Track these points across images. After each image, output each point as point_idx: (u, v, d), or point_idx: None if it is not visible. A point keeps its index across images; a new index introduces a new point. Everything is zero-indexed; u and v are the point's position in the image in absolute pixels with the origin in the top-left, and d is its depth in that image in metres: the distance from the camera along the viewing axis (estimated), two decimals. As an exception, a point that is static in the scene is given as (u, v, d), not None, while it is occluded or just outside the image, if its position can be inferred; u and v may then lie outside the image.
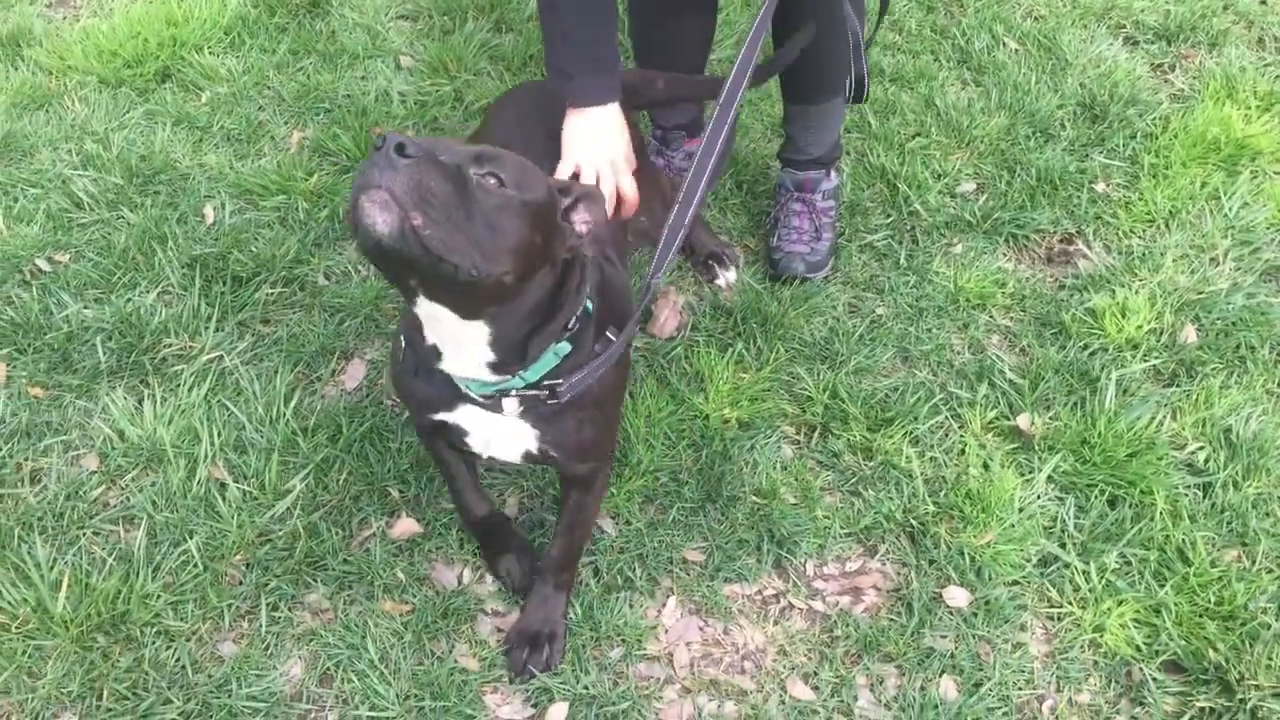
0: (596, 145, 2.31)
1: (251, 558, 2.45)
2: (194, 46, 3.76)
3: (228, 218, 3.19)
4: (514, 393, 1.90)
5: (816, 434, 2.74)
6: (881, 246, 3.20)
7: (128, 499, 2.55)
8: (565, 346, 1.88)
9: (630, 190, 2.36)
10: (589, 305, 1.93)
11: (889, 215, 3.28)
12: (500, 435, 2.02)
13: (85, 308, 2.93)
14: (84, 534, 2.49)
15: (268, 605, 2.38)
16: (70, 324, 2.87)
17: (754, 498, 2.60)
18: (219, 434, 2.65)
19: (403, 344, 1.99)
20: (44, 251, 3.07)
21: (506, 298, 1.69)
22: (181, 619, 2.35)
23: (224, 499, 2.53)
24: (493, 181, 1.59)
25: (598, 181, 2.27)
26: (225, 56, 3.74)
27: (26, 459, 2.62)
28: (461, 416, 2.01)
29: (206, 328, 2.88)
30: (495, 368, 1.83)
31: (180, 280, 2.99)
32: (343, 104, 3.56)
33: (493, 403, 1.93)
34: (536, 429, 2.00)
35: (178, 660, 2.30)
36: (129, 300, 2.94)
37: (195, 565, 2.42)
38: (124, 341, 2.83)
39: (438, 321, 1.74)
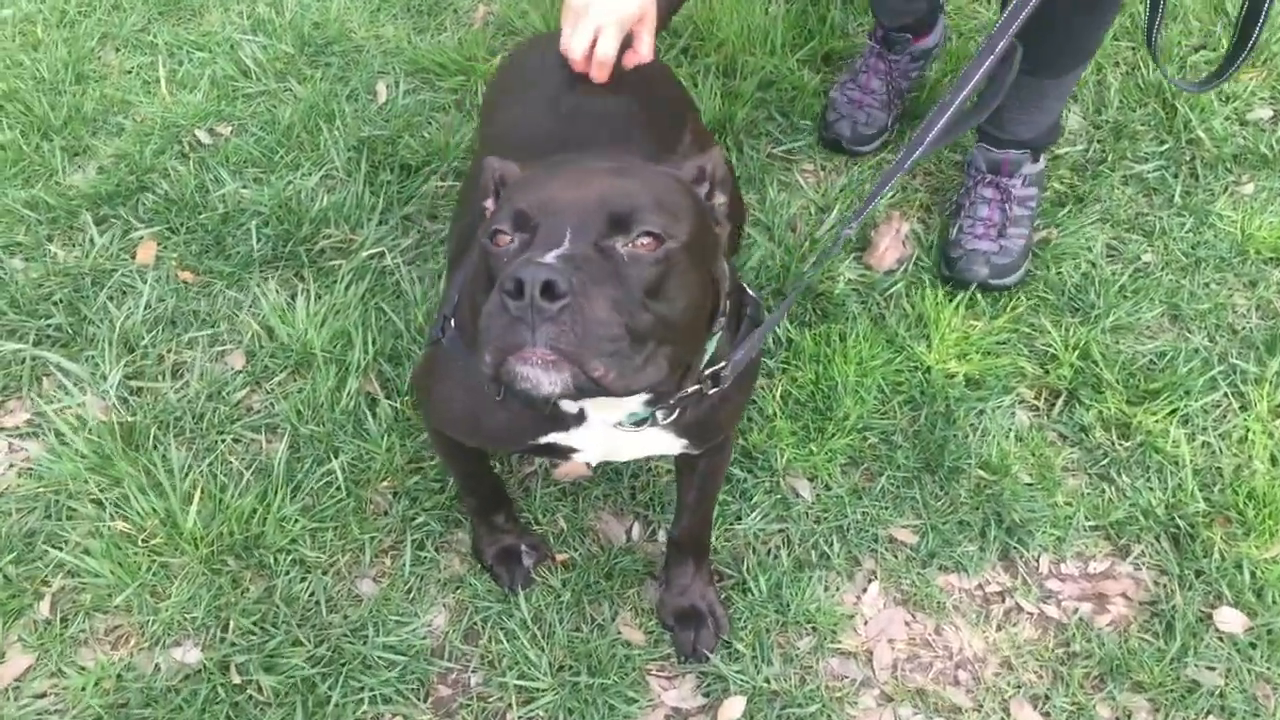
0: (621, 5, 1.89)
1: (399, 486, 2.17)
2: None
3: (401, 97, 2.87)
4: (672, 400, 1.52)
5: (1061, 402, 2.30)
6: (1152, 179, 2.68)
7: (272, 405, 2.29)
8: (713, 341, 1.50)
9: (647, 49, 1.95)
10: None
11: (1163, 141, 2.75)
12: (627, 444, 1.62)
13: (244, 187, 2.67)
14: (223, 440, 2.25)
15: (413, 543, 2.10)
16: (226, 204, 2.62)
17: (980, 472, 2.18)
18: (374, 341, 2.36)
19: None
20: (206, 122, 2.82)
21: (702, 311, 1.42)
22: (319, 549, 2.09)
23: (374, 416, 2.25)
24: (646, 241, 1.26)
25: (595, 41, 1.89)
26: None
27: (170, 350, 2.38)
28: (578, 434, 1.59)
29: (369, 219, 2.59)
30: (653, 401, 1.47)
31: (345, 164, 2.69)
32: (535, -23, 3.19)
33: (630, 426, 1.55)
34: (680, 432, 1.61)
35: (311, 595, 2.04)
36: (290, 183, 2.66)
37: (338, 489, 2.15)
38: (281, 229, 2.56)
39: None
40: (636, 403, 1.45)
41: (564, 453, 1.65)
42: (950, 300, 2.44)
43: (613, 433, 1.54)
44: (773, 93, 2.84)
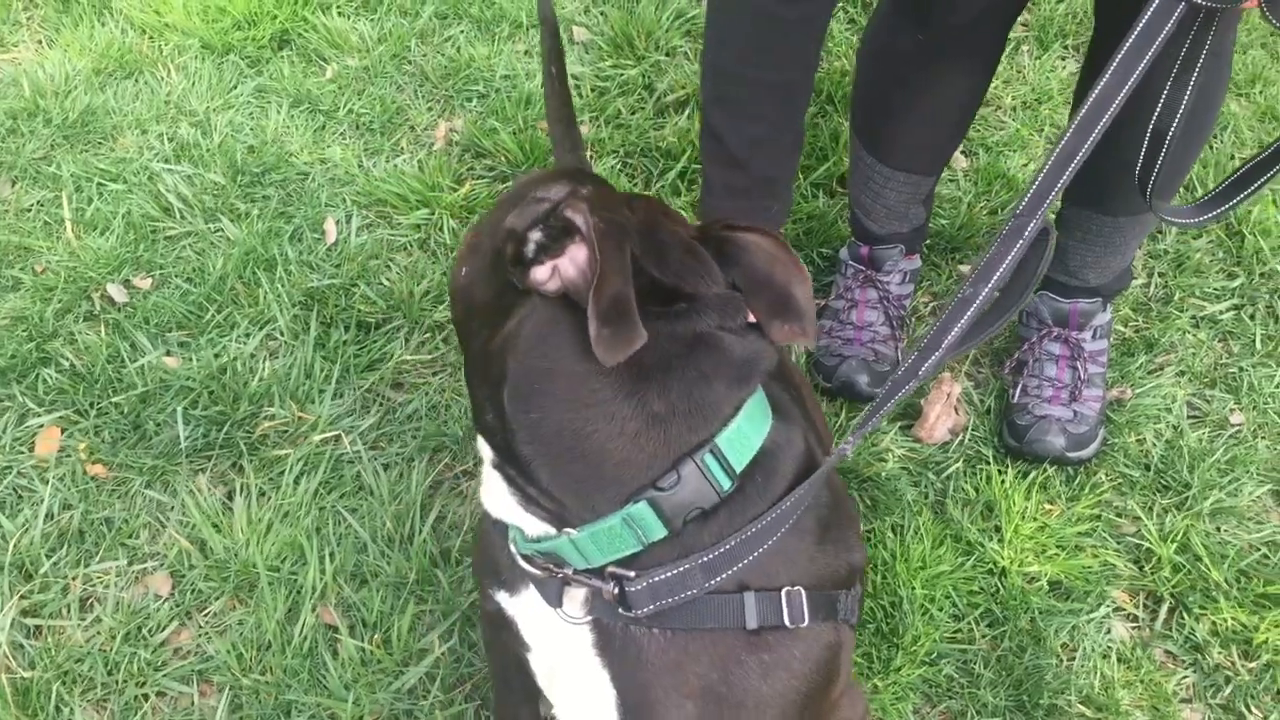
0: None
1: (370, 756, 1.73)
2: (319, 5, 3.01)
3: (353, 235, 2.45)
4: (573, 572, 1.13)
5: (1165, 610, 1.93)
6: (1227, 321, 2.34)
7: (205, 644, 1.84)
8: (648, 517, 1.07)
9: None
10: (715, 470, 1.09)
11: (1233, 275, 2.42)
12: (566, 665, 1.21)
13: (167, 353, 2.22)
14: (143, 698, 1.79)
15: (392, 836, 1.66)
16: (145, 379, 2.17)
17: (1083, 709, 1.80)
18: (332, 555, 1.93)
19: None
20: (120, 273, 2.37)
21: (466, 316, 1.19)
22: None
23: (335, 658, 1.81)
24: None
25: None
26: (357, 19, 2.98)
27: (77, 575, 1.92)
28: (522, 608, 1.24)
29: (322, 393, 2.16)
30: (510, 484, 1.13)
31: (290, 323, 2.26)
32: (501, 87, 2.79)
33: (549, 586, 1.17)
34: (614, 677, 1.17)
35: None
36: (223, 348, 2.22)
37: (293, 764, 1.71)
38: (214, 409, 2.11)
39: None
40: (497, 481, 1.15)
41: (522, 650, 1.28)
42: (1020, 480, 2.06)
43: (553, 627, 1.18)
44: (786, 225, 2.46)
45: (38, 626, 1.86)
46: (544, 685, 1.30)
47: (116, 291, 2.33)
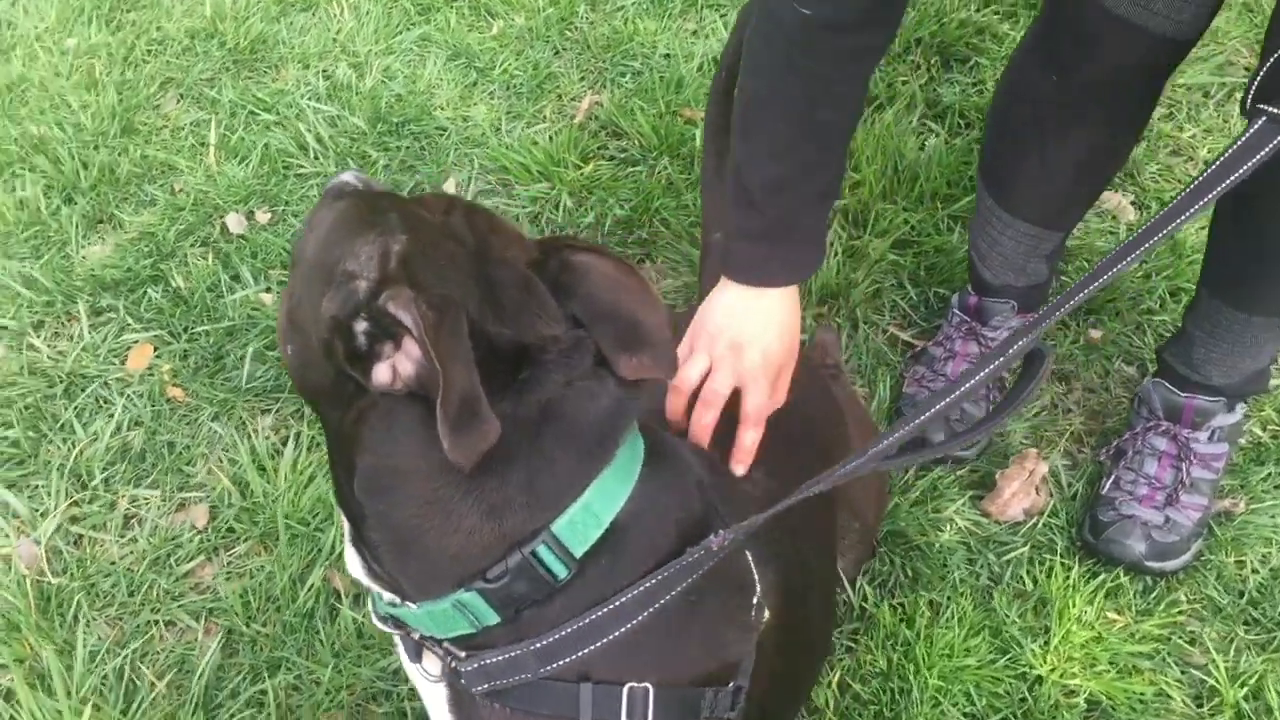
0: (765, 345, 1.44)
1: (340, 729, 1.74)
2: (504, -43, 3.00)
3: (469, 197, 2.45)
4: (426, 638, 1.09)
5: (1218, 760, 1.71)
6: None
7: (219, 585, 1.89)
8: (481, 605, 1.02)
9: (755, 408, 1.41)
10: (554, 565, 1.01)
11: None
12: (433, 705, 1.16)
13: (265, 290, 2.29)
14: (155, 623, 1.86)
15: (336, 814, 1.67)
16: (237, 313, 2.24)
17: None
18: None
19: None
20: (245, 204, 2.45)
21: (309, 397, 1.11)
22: (222, 802, 1.68)
23: (331, 623, 1.83)
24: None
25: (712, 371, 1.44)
26: (539, -23, 2.95)
27: (125, 495, 2.01)
28: (401, 652, 1.19)
29: (394, 355, 2.16)
30: (359, 551, 1.09)
31: (382, 281, 2.28)
32: (656, 66, 2.71)
33: (406, 641, 1.13)
34: None
35: None
36: (314, 295, 2.26)
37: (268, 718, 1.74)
38: (288, 354, 2.16)
39: None
40: (350, 547, 1.10)
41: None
42: (1087, 580, 1.86)
43: (424, 686, 1.16)
44: (909, 256, 2.30)
45: (80, 536, 1.96)
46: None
47: (235, 222, 2.41)
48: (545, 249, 1.09)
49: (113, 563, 1.92)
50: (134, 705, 1.75)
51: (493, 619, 1.02)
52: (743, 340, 1.41)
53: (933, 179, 2.38)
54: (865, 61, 1.45)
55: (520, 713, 1.06)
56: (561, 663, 1.03)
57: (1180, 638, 1.82)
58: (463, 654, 1.05)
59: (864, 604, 1.84)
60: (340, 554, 1.89)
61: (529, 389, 1.00)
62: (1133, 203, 2.42)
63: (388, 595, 1.08)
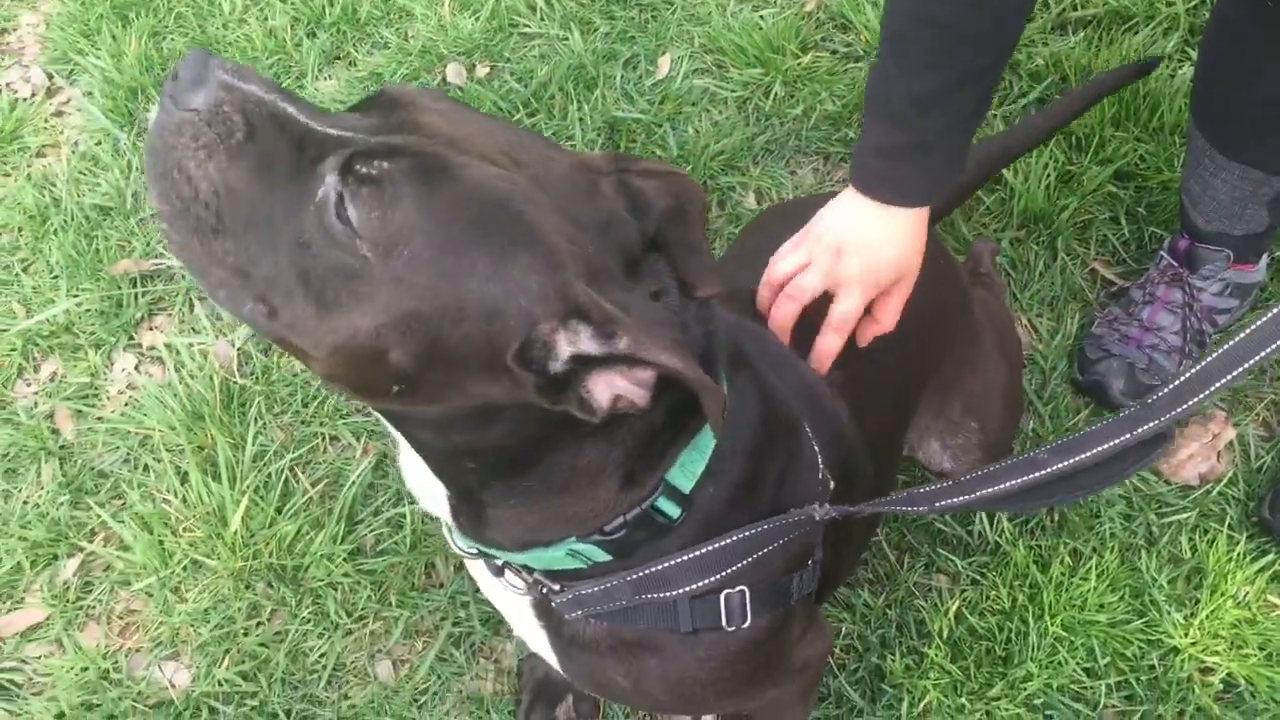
0: (870, 257, 1.32)
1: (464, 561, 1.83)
2: None
3: (681, 77, 2.43)
4: (508, 563, 1.10)
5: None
6: None
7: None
8: (596, 551, 1.03)
9: (841, 315, 1.32)
10: (669, 508, 1.01)
11: None
12: (512, 612, 1.22)
13: (473, 142, 2.35)
14: (321, 435, 2.00)
15: (448, 637, 1.77)
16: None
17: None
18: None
19: None
20: (469, 56, 2.51)
21: (360, 395, 0.93)
22: (350, 607, 1.81)
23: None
24: (338, 220, 0.81)
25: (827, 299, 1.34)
26: None
27: (316, 313, 2.15)
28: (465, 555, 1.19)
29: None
30: (455, 514, 1.04)
31: (581, 147, 2.31)
32: (902, -40, 2.58)
33: (487, 559, 1.12)
34: (551, 642, 1.18)
35: (322, 657, 1.77)
36: (516, 151, 2.32)
37: (398, 544, 1.85)
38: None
39: None
40: (437, 491, 1.03)
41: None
42: (1253, 558, 1.73)
43: (496, 584, 1.16)
44: (1130, 189, 2.14)
45: (269, 345, 2.11)
46: (507, 616, 1.30)
47: (454, 72, 2.48)
48: (614, 168, 0.96)
49: (295, 374, 2.06)
50: (288, 504, 1.89)
51: (604, 558, 1.03)
52: (846, 246, 1.32)
53: (1175, 110, 2.19)
54: None
55: (613, 625, 1.10)
56: (655, 596, 1.05)
57: (1347, 633, 1.67)
58: (556, 586, 1.07)
59: (999, 539, 1.77)
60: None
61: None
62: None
63: (464, 537, 1.07)
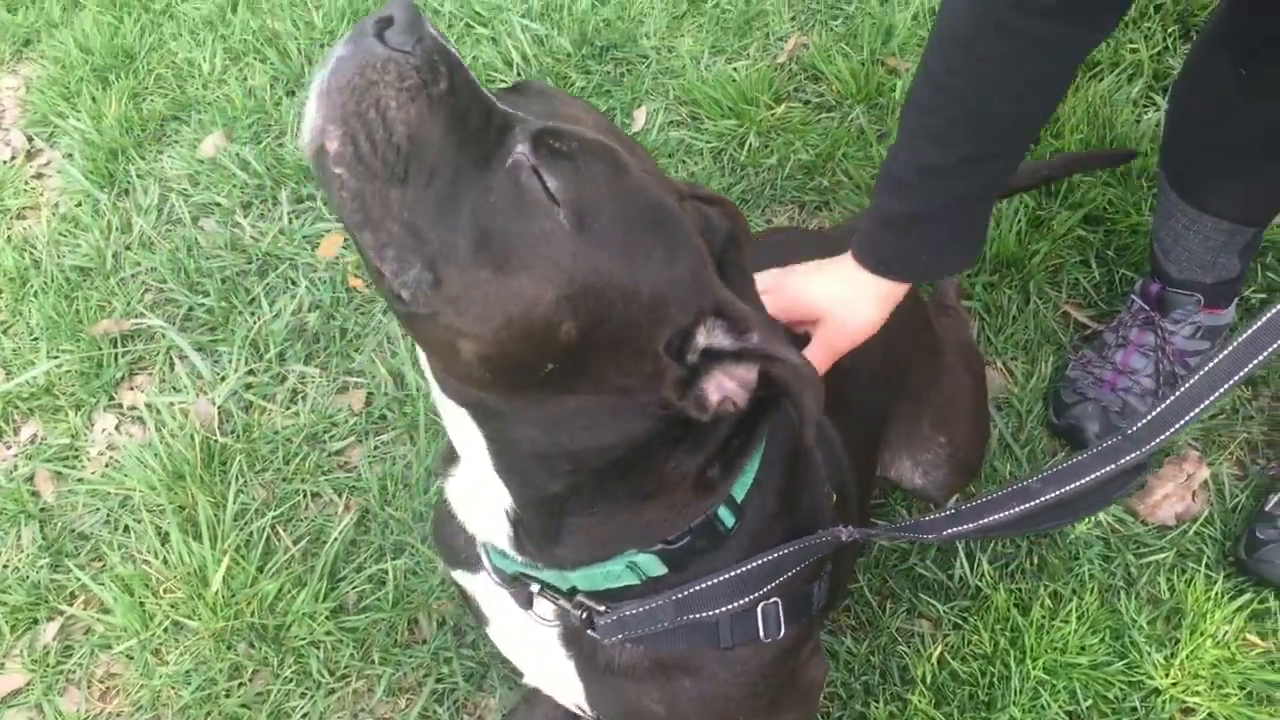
0: (839, 330, 1.34)
1: (449, 615, 1.83)
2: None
3: (657, 129, 2.46)
4: (541, 590, 1.11)
5: (1336, 812, 1.58)
6: None
7: (363, 470, 2.01)
8: (654, 564, 1.05)
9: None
10: (726, 517, 1.06)
11: None
12: (532, 647, 1.21)
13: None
14: (303, 492, 2.00)
15: (431, 694, 1.76)
16: (420, 215, 2.34)
17: None
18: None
19: None
20: (446, 112, 2.54)
21: (485, 385, 0.90)
22: (333, 666, 1.80)
23: (458, 519, 1.91)
24: (538, 186, 0.82)
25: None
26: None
27: (298, 366, 2.15)
28: (481, 587, 1.22)
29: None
30: (516, 530, 1.04)
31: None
32: (873, 12, 2.63)
33: (517, 590, 1.13)
34: (580, 672, 1.18)
35: (304, 719, 1.76)
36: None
37: (381, 600, 1.84)
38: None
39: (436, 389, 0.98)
40: (497, 506, 1.03)
41: (480, 621, 1.29)
42: (1230, 598, 1.74)
43: (517, 616, 1.16)
44: (1100, 232, 2.17)
45: (250, 403, 2.11)
46: (504, 651, 1.31)
47: (432, 128, 2.50)
48: (689, 193, 1.01)
49: (275, 431, 2.07)
50: (270, 563, 1.89)
51: (660, 571, 1.05)
52: (821, 315, 1.34)
53: (1143, 154, 2.23)
54: (1065, 56, 1.27)
55: (649, 648, 1.12)
56: (699, 615, 1.08)
57: (1328, 671, 1.68)
58: (601, 607, 1.08)
59: (980, 583, 1.78)
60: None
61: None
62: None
63: (522, 559, 1.07)
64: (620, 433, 0.93)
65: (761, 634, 1.13)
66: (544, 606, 1.13)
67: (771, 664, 1.17)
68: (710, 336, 0.91)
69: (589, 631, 1.11)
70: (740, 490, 1.06)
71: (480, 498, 1.04)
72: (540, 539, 1.03)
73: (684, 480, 1.00)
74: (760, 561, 1.08)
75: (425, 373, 0.97)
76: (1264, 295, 2.06)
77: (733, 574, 1.07)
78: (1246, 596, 1.75)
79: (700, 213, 0.97)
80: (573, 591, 1.08)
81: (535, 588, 1.10)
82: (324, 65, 0.80)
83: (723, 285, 0.92)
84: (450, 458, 1.11)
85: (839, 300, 1.33)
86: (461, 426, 0.97)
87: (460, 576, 1.26)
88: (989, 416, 1.88)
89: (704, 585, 1.07)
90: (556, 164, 0.82)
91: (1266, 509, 1.79)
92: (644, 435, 0.94)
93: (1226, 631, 1.71)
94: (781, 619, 1.13)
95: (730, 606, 1.09)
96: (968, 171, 1.30)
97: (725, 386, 0.92)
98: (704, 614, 1.08)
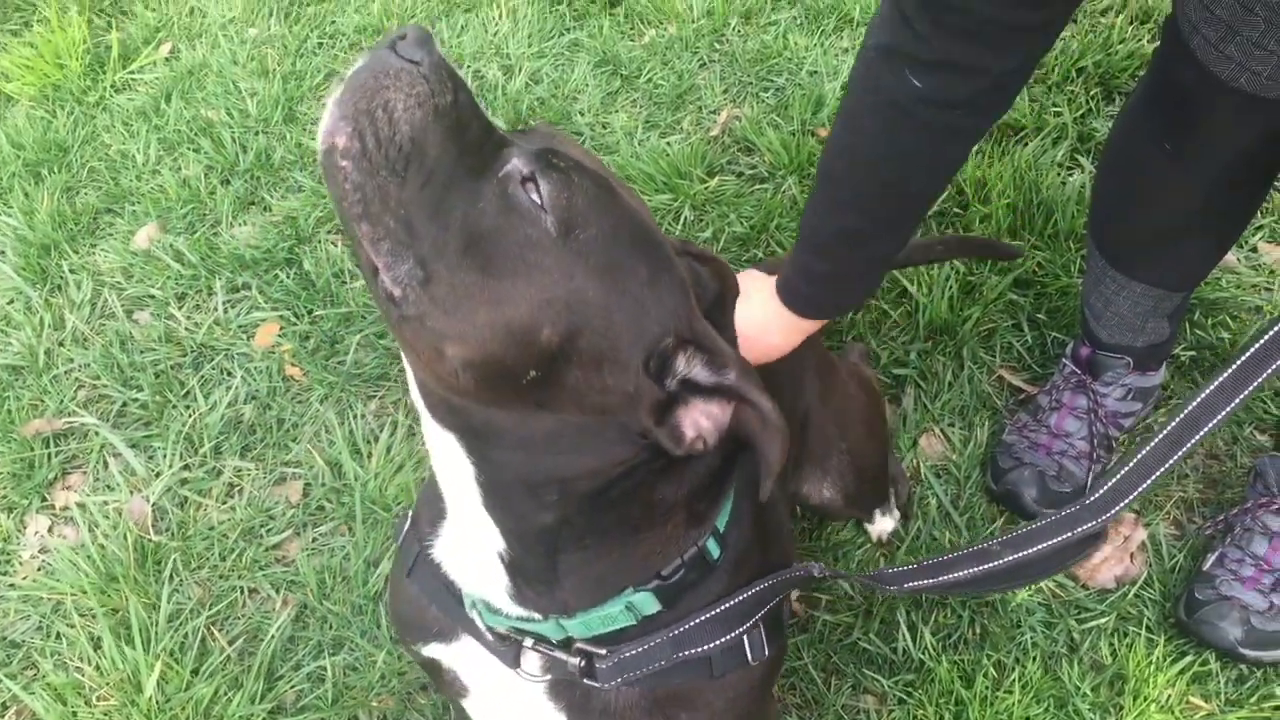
0: (757, 350, 1.51)
1: (390, 711, 1.79)
2: (669, -33, 3.01)
3: (593, 207, 2.47)
4: (534, 643, 1.12)
5: None
6: None
7: (301, 562, 1.98)
8: (649, 602, 1.08)
9: None
10: (712, 548, 1.11)
11: None
12: (516, 709, 1.20)
13: (388, 281, 2.37)
14: (241, 589, 1.96)
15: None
16: (355, 301, 2.33)
17: None
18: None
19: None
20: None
21: (468, 394, 0.91)
22: (270, 768, 1.76)
23: (397, 611, 1.88)
24: (526, 196, 0.88)
25: None
26: (698, -13, 2.96)
27: (234, 459, 2.13)
28: (460, 657, 1.21)
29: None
30: (514, 577, 1.06)
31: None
32: (803, 84, 2.67)
33: (507, 648, 1.14)
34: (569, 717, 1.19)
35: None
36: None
37: (324, 697, 1.81)
38: (392, 347, 2.24)
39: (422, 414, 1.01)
40: (491, 551, 1.05)
41: (455, 693, 1.27)
42: (1173, 660, 1.74)
43: (502, 677, 1.17)
44: (1030, 296, 2.19)
45: (185, 499, 2.09)
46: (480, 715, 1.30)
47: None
48: (683, 250, 1.08)
49: (211, 528, 2.04)
50: (205, 664, 1.85)
51: (654, 608, 1.08)
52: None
53: (1069, 217, 2.26)
54: (967, 140, 1.42)
55: (642, 687, 1.14)
56: (695, 651, 1.11)
57: (1273, 739, 1.68)
58: (603, 651, 1.09)
59: (923, 656, 1.77)
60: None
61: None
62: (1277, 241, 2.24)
63: (520, 612, 1.08)
64: (603, 456, 0.96)
65: (750, 658, 1.16)
66: (532, 662, 1.14)
67: (761, 680, 1.22)
68: (690, 367, 0.95)
69: (586, 680, 1.12)
70: (722, 521, 1.11)
71: (472, 545, 1.07)
72: (539, 582, 1.05)
73: (672, 512, 1.04)
74: (745, 595, 1.13)
75: (414, 398, 0.99)
76: (1193, 353, 2.08)
77: (723, 608, 1.12)
78: (1188, 659, 1.75)
79: (692, 270, 1.02)
80: (568, 641, 1.10)
81: (528, 642, 1.12)
82: (341, 80, 0.87)
83: (705, 323, 0.97)
84: (434, 519, 1.16)
85: (759, 326, 1.50)
86: (449, 457, 0.99)
87: (433, 650, 1.24)
88: (886, 432, 1.92)
89: (697, 621, 1.11)
90: (550, 175, 0.88)
91: (1205, 569, 1.80)
92: (627, 461, 0.96)
93: (1170, 695, 1.71)
94: (764, 640, 1.18)
95: (722, 640, 1.12)
96: (877, 237, 1.47)
97: (699, 424, 0.95)
98: (699, 649, 1.12)
